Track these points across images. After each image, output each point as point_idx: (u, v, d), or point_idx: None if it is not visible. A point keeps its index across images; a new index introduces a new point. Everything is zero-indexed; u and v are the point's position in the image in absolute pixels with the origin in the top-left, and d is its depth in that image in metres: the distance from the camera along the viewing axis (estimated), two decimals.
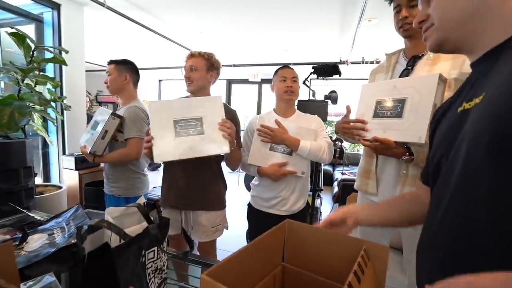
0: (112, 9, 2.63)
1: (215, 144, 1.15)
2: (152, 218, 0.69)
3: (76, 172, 2.38)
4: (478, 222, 0.36)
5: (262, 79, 5.91)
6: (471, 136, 0.39)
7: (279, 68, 1.47)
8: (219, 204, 1.41)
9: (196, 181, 1.34)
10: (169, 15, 3.07)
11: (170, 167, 1.40)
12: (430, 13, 0.50)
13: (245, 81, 6.27)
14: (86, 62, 2.76)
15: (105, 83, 1.71)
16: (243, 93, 6.69)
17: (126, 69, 1.72)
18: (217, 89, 6.62)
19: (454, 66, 0.95)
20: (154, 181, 2.11)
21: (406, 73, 1.07)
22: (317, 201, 2.61)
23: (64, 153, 2.57)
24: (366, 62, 3.92)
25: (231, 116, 1.36)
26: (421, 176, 0.65)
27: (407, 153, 0.98)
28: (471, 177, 0.38)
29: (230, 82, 6.63)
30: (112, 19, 3.03)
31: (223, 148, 1.15)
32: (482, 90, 0.42)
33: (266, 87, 6.33)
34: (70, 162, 2.41)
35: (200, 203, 1.35)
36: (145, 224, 0.64)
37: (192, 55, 1.37)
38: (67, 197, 2.22)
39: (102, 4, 2.52)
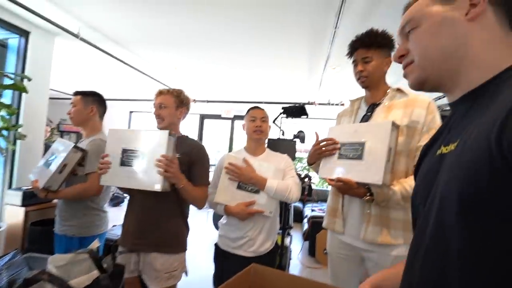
0: (86, 40, 2.62)
1: (149, 179, 1.15)
2: (105, 266, 0.62)
3: (22, 209, 2.11)
4: (453, 280, 0.37)
5: (235, 116, 6.04)
6: (442, 190, 0.40)
7: (250, 108, 1.53)
8: (177, 246, 1.31)
9: (152, 219, 1.26)
10: (145, 51, 3.13)
11: (131, 202, 1.33)
12: (410, 48, 0.51)
13: (218, 117, 6.35)
14: (53, 90, 2.65)
15: (69, 114, 1.63)
16: (216, 128, 6.73)
17: (93, 101, 1.67)
18: (190, 123, 6.61)
19: (405, 115, 1.05)
20: (116, 218, 1.95)
21: (366, 118, 1.17)
22: (287, 240, 2.56)
23: (10, 187, 2.31)
24: (332, 104, 4.23)
25: (196, 151, 1.34)
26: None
27: (368, 194, 1.02)
28: (444, 233, 0.38)
29: (203, 117, 6.67)
30: (85, 50, 3.00)
31: (155, 185, 1.14)
32: (458, 136, 0.42)
33: (238, 123, 6.46)
34: (16, 197, 2.14)
35: (154, 243, 1.25)
36: (95, 273, 0.57)
37: (161, 93, 1.38)
38: (6, 238, 1.94)
39: (76, 36, 2.50)
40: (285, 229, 2.34)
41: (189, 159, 1.31)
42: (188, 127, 6.60)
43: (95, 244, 0.64)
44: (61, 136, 5.72)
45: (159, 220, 1.27)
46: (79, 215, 1.52)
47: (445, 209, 0.39)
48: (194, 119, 6.64)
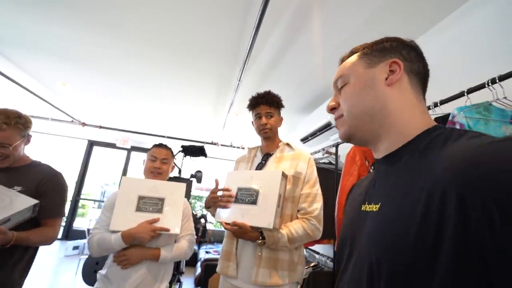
0: None
1: None
2: None
3: None
4: None
5: (132, 146, 5.51)
6: (368, 247, 0.43)
7: (154, 145, 1.44)
8: None
9: None
10: (22, 59, 2.59)
11: None
12: (340, 102, 0.54)
13: (111, 145, 5.64)
14: None
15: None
16: (107, 158, 5.91)
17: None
18: (74, 149, 5.59)
19: (291, 166, 1.23)
20: None
21: (260, 166, 1.30)
22: (176, 287, 2.36)
23: None
24: (234, 147, 4.47)
25: (46, 180, 1.21)
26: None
27: (261, 237, 1.10)
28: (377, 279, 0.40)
29: (92, 144, 5.77)
30: None
31: None
32: (378, 199, 0.45)
33: (136, 155, 5.88)
34: None
35: None
36: None
37: None
38: None
39: None
40: (173, 275, 2.15)
41: (36, 191, 1.15)
42: (71, 153, 5.54)
43: None
44: None
45: None
46: None
47: (364, 266, 0.42)
48: (80, 144, 5.65)
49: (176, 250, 1.27)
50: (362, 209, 0.50)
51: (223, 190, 1.19)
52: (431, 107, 1.33)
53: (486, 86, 1.08)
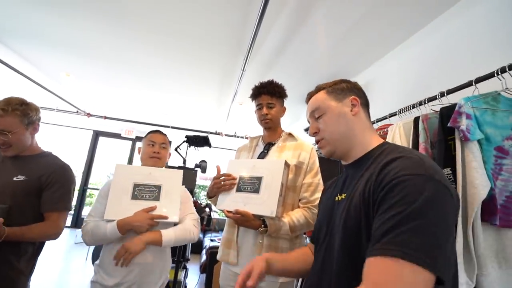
0: None
1: None
2: None
3: None
4: (346, 265, 0.58)
5: (137, 137, 5.55)
6: (337, 223, 0.63)
7: (150, 132, 1.41)
8: None
9: None
10: (26, 49, 2.59)
11: None
12: (320, 128, 0.73)
13: (116, 136, 5.69)
14: None
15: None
16: (113, 148, 5.97)
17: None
18: (81, 140, 5.66)
19: (294, 156, 1.23)
20: None
21: (262, 155, 1.30)
22: (182, 274, 2.41)
23: None
24: (237, 136, 4.47)
25: (52, 171, 1.18)
26: (311, 238, 0.84)
27: (263, 225, 1.11)
28: (342, 246, 0.60)
29: (97, 134, 5.83)
30: None
31: None
32: (345, 191, 0.67)
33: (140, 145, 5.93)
34: None
35: None
36: None
37: None
38: None
39: None
40: (179, 262, 2.20)
41: (39, 182, 1.14)
42: (77, 144, 5.61)
43: None
44: None
45: None
46: None
47: (340, 235, 0.60)
48: (86, 134, 5.72)
49: (180, 230, 1.21)
50: (336, 199, 0.70)
51: (225, 175, 1.19)
52: (437, 97, 1.31)
53: (495, 75, 1.05)
